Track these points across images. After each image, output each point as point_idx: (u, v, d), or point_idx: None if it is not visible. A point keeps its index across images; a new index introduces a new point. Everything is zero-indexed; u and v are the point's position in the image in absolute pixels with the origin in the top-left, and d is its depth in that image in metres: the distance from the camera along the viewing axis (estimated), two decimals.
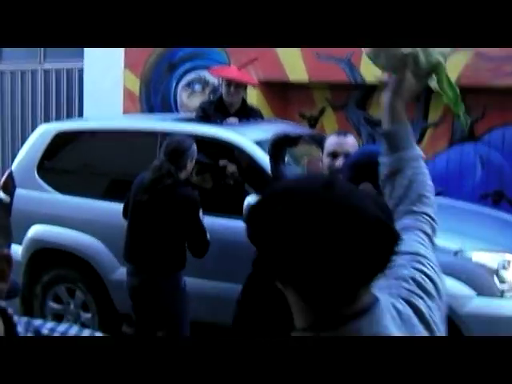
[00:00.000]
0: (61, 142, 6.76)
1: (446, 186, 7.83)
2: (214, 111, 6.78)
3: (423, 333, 1.64)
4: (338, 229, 1.43)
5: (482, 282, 5.19)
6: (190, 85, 9.79)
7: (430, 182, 2.03)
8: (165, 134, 5.98)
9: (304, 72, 8.62)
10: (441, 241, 5.38)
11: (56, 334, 1.39)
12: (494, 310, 5.13)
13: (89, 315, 6.38)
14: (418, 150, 2.06)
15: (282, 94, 9.25)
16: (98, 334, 1.44)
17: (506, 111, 8.15)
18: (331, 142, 4.15)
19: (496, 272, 5.23)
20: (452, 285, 5.14)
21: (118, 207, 5.51)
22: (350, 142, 4.13)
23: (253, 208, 1.56)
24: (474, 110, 8.39)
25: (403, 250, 1.71)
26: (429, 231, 1.92)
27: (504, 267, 5.28)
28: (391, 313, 1.59)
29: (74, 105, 10.89)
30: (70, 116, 10.78)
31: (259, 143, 5.86)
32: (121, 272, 5.91)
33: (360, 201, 1.49)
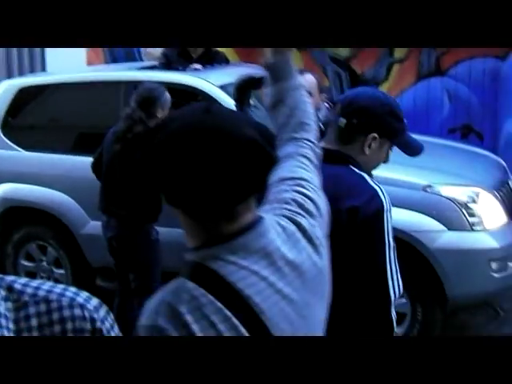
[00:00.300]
0: (25, 97, 6.64)
1: (414, 121, 7.82)
2: (176, 57, 6.70)
3: (307, 247, 1.77)
4: (212, 150, 1.57)
5: (451, 216, 5.22)
6: None
7: (310, 110, 2.10)
8: (130, 83, 6.00)
9: None
10: (410, 177, 5.46)
11: (29, 290, 1.37)
12: (464, 244, 5.18)
13: (62, 271, 6.35)
14: (299, 80, 2.13)
15: None
16: (71, 288, 1.43)
17: None
18: None
19: (465, 206, 5.26)
20: (422, 220, 5.17)
21: (86, 160, 5.45)
22: (308, 80, 4.13)
23: (141, 139, 1.75)
24: None
25: (286, 176, 1.89)
26: (310, 155, 2.00)
27: (473, 201, 5.31)
28: (276, 229, 1.73)
29: (36, 59, 10.70)
30: (33, 71, 10.60)
31: (224, 87, 5.80)
32: (92, 226, 5.89)
33: (236, 124, 1.65)
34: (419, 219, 5.17)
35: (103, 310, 1.43)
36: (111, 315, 1.46)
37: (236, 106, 5.14)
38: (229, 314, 1.58)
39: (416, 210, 5.18)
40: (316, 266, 1.76)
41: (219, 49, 7.54)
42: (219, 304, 1.58)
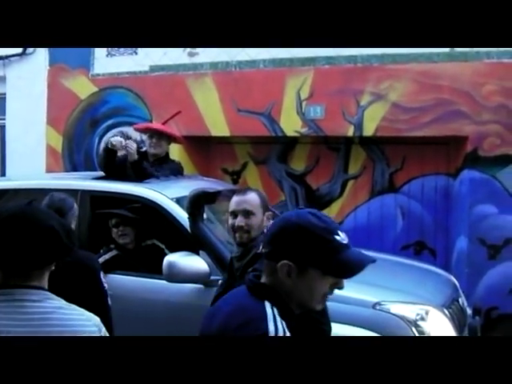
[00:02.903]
0: None
1: (368, 237, 7.91)
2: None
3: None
4: (20, 229, 2.38)
5: (401, 334, 5.18)
6: None
7: None
8: (85, 192, 6.17)
9: (225, 127, 8.68)
10: (360, 294, 5.44)
11: None
12: None
13: None
14: None
15: (204, 149, 9.27)
16: None
17: (424, 161, 8.31)
18: (232, 201, 4.19)
19: (415, 323, 5.26)
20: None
21: None
22: (249, 199, 4.14)
23: None
24: (393, 161, 8.55)
25: None
26: None
27: (422, 319, 5.32)
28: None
29: None
30: None
31: (179, 200, 5.84)
32: None
33: (44, 216, 2.47)
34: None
35: None
36: None
37: (189, 219, 5.17)
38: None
39: (365, 328, 5.15)
40: None
41: (176, 159, 7.63)
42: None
